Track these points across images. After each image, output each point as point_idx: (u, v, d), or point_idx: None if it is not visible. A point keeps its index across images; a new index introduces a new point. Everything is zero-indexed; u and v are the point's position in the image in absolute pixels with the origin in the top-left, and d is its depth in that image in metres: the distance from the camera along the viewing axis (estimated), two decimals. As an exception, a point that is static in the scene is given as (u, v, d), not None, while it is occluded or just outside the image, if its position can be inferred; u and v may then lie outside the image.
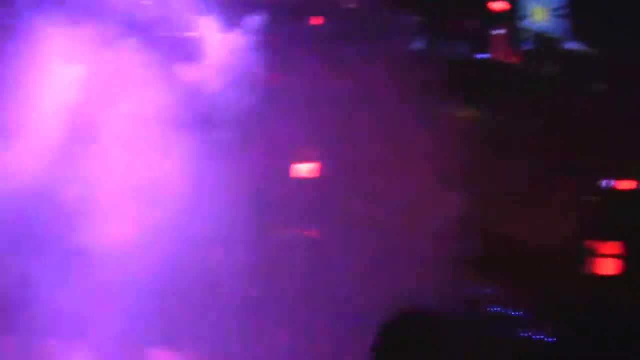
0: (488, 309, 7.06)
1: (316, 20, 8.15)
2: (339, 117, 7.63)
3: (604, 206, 7.60)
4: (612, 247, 7.46)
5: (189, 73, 7.74)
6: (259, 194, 7.49)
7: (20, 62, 7.34)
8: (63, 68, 7.50)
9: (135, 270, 7.03)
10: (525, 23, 8.10)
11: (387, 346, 3.95)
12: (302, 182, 7.85)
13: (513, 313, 6.98)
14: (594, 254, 7.46)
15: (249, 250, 7.43)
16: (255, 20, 7.93)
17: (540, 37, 8.06)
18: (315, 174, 7.98)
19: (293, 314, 7.23)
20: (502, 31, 8.12)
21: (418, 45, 8.05)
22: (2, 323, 7.11)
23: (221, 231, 7.31)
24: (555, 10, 8.04)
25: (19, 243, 7.16)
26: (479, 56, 8.09)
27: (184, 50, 7.82)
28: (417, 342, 3.87)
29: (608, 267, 7.42)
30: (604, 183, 7.68)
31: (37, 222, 7.19)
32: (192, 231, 7.23)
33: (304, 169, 7.95)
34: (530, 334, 6.79)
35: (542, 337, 6.77)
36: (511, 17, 8.12)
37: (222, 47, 7.77)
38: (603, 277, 7.37)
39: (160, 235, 7.13)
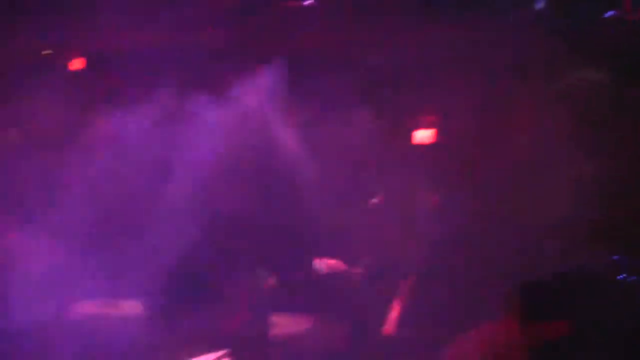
0: (617, 275, 6.91)
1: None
2: (460, 84, 7.56)
3: None
4: None
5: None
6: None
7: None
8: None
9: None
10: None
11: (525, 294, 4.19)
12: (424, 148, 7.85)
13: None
14: None
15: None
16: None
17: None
18: (434, 141, 7.96)
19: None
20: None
21: (541, 6, 7.88)
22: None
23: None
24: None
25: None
26: (606, 15, 7.85)
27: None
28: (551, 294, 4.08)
29: None
30: None
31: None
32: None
33: (424, 135, 7.93)
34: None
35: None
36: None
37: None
38: None
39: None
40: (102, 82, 7.95)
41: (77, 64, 8.45)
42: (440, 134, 7.89)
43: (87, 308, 7.34)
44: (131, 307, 7.29)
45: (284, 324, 7.40)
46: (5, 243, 6.95)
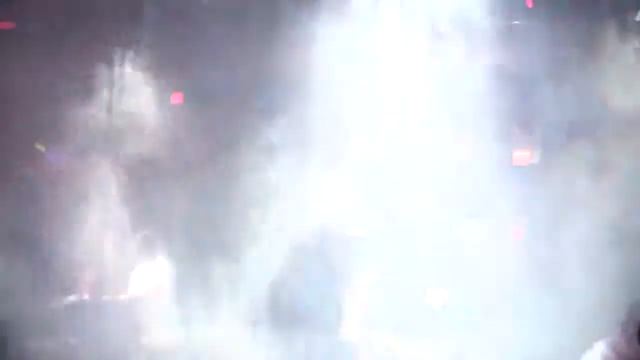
0: None
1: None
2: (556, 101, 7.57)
3: None
4: None
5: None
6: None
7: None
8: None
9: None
10: None
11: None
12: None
13: None
14: None
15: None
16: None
17: None
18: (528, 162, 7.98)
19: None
20: None
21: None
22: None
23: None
24: None
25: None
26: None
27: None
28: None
29: None
30: None
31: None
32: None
33: (521, 157, 7.95)
34: None
35: None
36: None
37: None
38: None
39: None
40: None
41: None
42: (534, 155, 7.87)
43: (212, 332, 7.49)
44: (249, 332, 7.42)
45: (393, 342, 7.49)
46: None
